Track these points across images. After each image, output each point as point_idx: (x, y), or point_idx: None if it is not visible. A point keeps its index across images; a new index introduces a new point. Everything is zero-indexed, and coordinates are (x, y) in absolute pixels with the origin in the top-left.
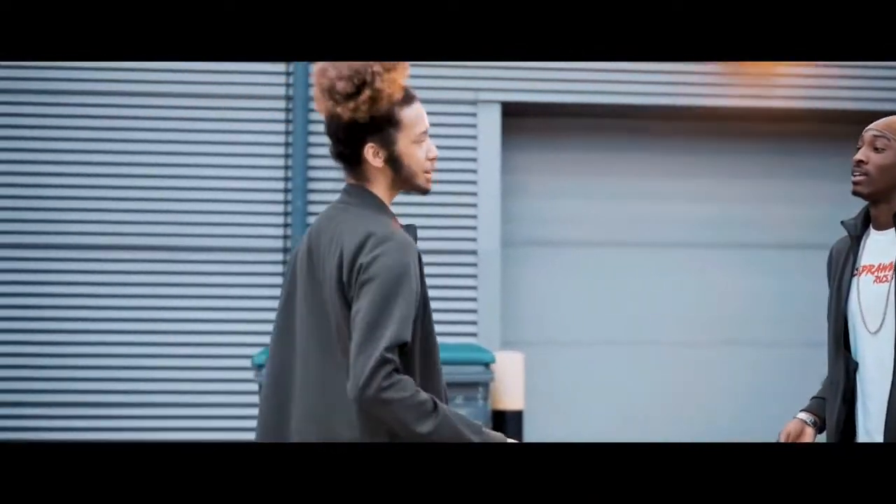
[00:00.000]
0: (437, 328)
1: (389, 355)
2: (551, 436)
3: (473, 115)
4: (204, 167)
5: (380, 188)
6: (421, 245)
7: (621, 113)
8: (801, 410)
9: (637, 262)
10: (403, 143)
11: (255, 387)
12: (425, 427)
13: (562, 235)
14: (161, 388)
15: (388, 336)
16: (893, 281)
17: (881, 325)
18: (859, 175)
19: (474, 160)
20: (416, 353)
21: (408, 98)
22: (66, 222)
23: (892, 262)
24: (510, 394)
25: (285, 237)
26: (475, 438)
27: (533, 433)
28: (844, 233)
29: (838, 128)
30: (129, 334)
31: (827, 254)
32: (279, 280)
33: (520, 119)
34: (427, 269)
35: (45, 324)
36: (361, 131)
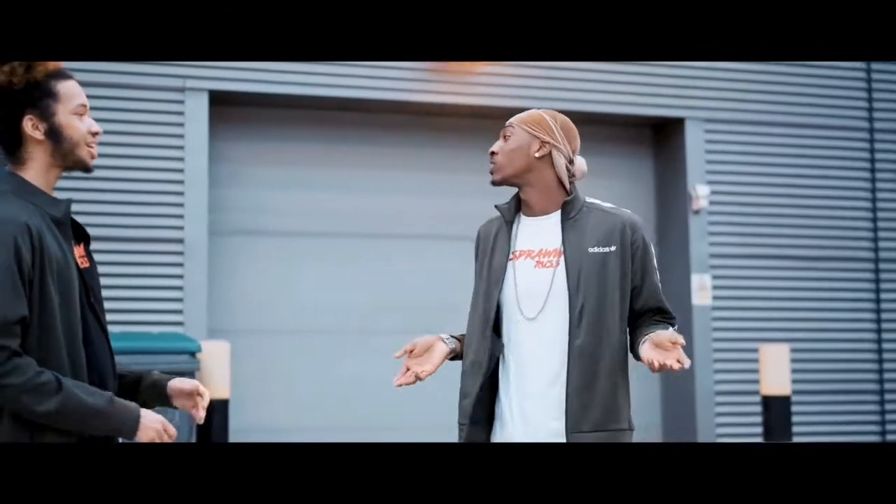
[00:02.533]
0: (143, 317)
1: (1, 341)
2: (258, 425)
3: (181, 102)
4: None
5: (38, 168)
6: (127, 233)
7: (330, 105)
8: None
9: (342, 252)
10: (63, 115)
11: None
12: (48, 406)
13: (269, 225)
14: None
15: None
16: (559, 268)
17: (541, 311)
18: (491, 164)
19: (181, 148)
20: (35, 324)
21: (64, 74)
22: None
23: (556, 249)
24: (216, 383)
25: None
26: (107, 408)
27: (239, 422)
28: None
29: None
30: None
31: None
32: None
33: (228, 108)
34: (132, 258)
35: None
36: (19, 104)
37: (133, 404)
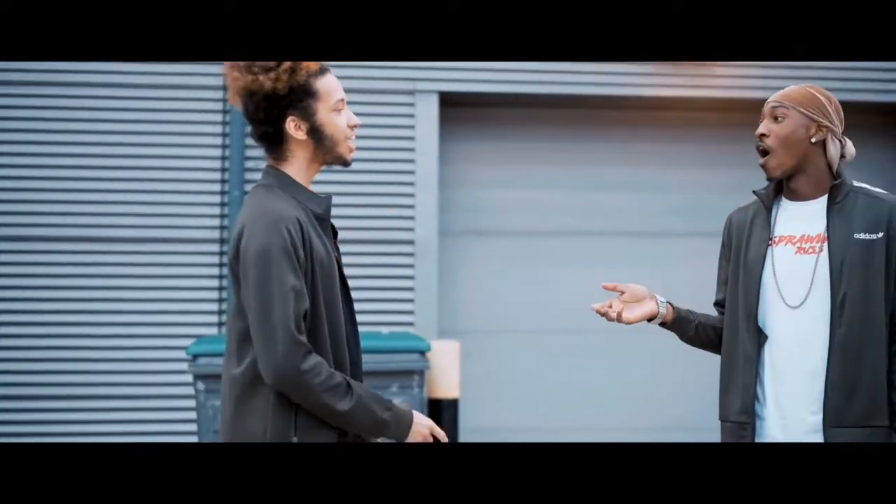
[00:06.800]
0: (375, 318)
1: (300, 336)
2: (487, 425)
3: (411, 104)
4: (141, 157)
5: (299, 165)
6: (358, 234)
7: (558, 103)
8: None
9: (573, 252)
10: (323, 113)
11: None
12: (343, 406)
13: (499, 225)
14: (97, 380)
15: (287, 314)
16: (822, 254)
17: (805, 299)
18: (760, 147)
19: (412, 150)
20: (308, 318)
21: (322, 69)
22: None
23: (819, 234)
24: (446, 382)
25: (222, 227)
26: (386, 415)
27: (468, 422)
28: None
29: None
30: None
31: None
32: (215, 270)
33: (458, 109)
34: (364, 259)
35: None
36: (281, 105)
37: (405, 409)
